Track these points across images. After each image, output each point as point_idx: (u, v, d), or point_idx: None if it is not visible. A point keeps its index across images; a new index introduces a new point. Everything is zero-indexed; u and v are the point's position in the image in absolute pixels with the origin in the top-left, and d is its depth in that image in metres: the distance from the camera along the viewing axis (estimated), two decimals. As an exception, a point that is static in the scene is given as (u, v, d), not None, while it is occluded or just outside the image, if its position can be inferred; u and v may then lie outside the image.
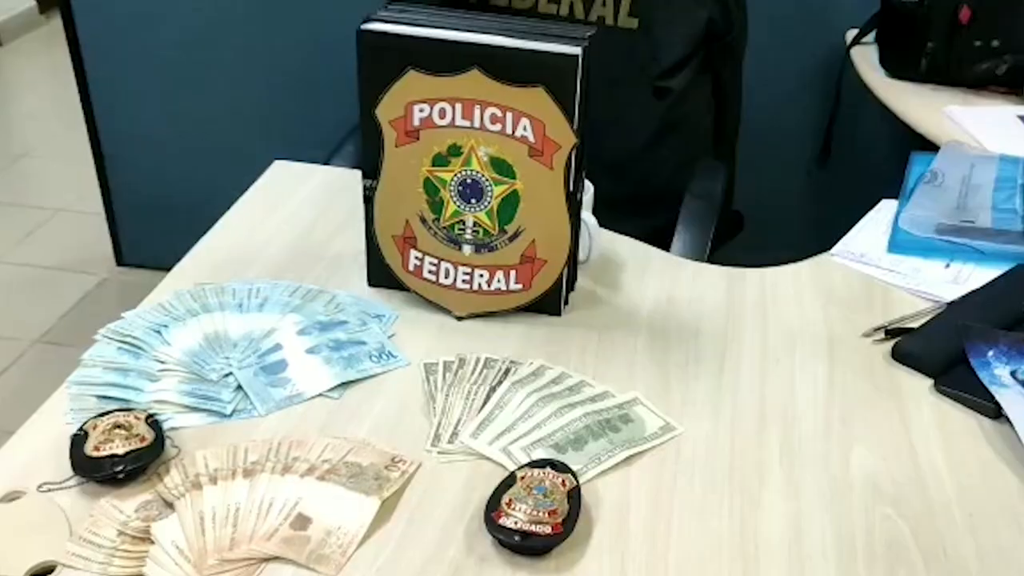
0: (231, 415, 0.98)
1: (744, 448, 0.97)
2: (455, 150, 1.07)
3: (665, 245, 1.40)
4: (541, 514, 0.84)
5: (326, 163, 1.58)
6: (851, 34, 1.95)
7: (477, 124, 1.05)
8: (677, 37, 1.63)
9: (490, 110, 1.04)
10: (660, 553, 0.85)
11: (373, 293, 1.17)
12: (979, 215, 1.31)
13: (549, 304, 1.13)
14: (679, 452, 0.96)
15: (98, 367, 1.02)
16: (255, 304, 1.12)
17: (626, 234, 1.30)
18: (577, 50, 1.01)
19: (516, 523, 0.83)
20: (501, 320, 1.13)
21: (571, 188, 1.07)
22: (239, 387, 1.00)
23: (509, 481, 0.88)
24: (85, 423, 0.92)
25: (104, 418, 0.92)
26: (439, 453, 0.94)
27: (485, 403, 0.99)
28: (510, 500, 0.85)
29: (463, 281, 1.13)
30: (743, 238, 1.82)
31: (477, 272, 1.12)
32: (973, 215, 1.31)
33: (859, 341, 1.12)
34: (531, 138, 1.04)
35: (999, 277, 1.19)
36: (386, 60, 1.05)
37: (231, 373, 1.02)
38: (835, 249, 1.28)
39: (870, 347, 1.11)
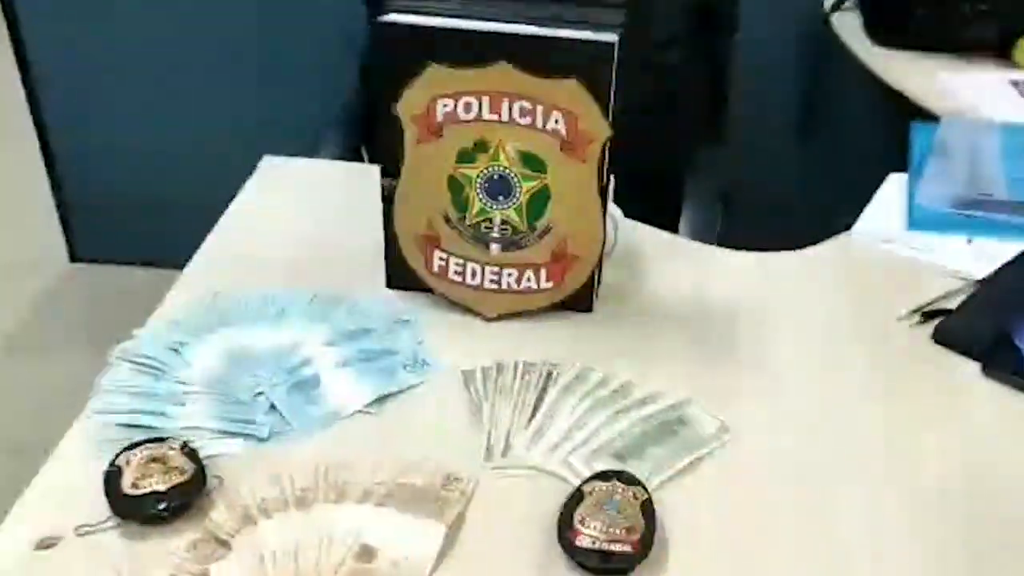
0: (268, 438, 0.92)
1: (803, 445, 0.94)
2: (481, 146, 1.02)
3: (665, 228, 1.36)
4: (617, 531, 0.80)
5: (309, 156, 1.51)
6: (829, 0, 1.92)
7: (505, 118, 1.00)
8: (670, 11, 1.59)
9: (519, 103, 0.99)
10: (743, 567, 0.82)
11: (392, 296, 1.12)
12: (994, 187, 1.30)
13: (580, 301, 1.09)
14: (738, 453, 0.93)
15: (117, 392, 0.96)
16: (273, 315, 1.07)
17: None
18: (613, 37, 0.96)
19: (594, 542, 0.80)
20: (532, 320, 1.09)
21: (603, 181, 1.03)
22: (272, 407, 0.95)
23: (577, 497, 0.84)
24: (117, 457, 0.86)
25: (137, 450, 0.87)
26: (494, 468, 0.90)
27: (535, 412, 0.95)
28: (582, 518, 0.82)
29: (491, 281, 1.08)
30: (733, 213, 1.79)
31: (506, 271, 1.07)
32: (988, 187, 1.30)
33: (896, 324, 1.10)
34: (563, 131, 0.99)
35: (1024, 251, 1.18)
36: (406, 53, 0.99)
37: (262, 392, 0.96)
38: (855, 228, 1.26)
39: (909, 331, 1.09)
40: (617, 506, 0.82)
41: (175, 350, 1.01)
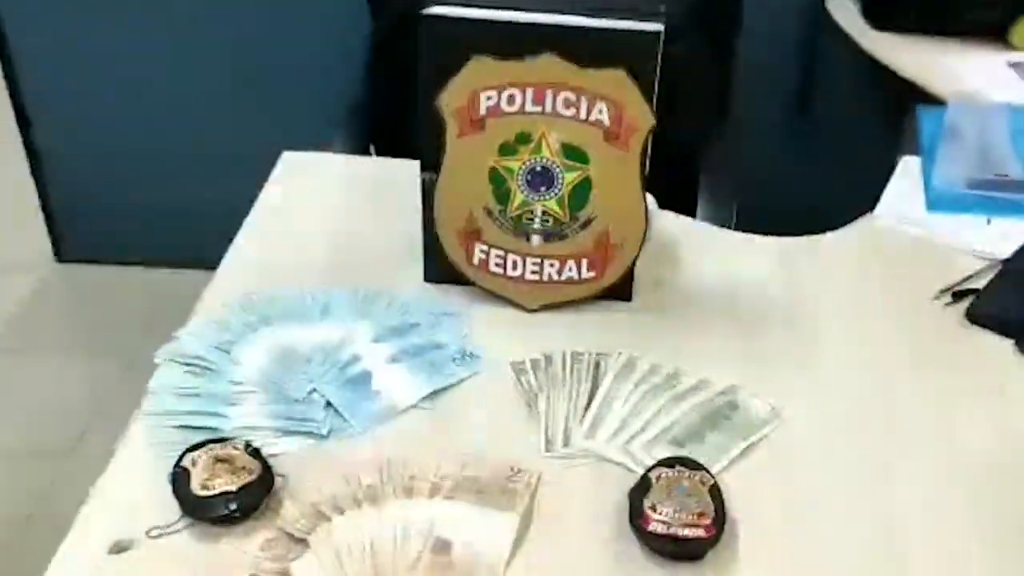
0: (327, 435, 0.92)
1: (850, 428, 0.96)
2: (524, 138, 1.02)
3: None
4: (689, 516, 0.81)
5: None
6: (825, -14, 1.94)
7: (549, 109, 1.00)
8: (674, 2, 1.59)
9: (563, 94, 0.99)
10: (810, 546, 0.84)
11: (430, 289, 1.12)
12: (1009, 167, 1.32)
13: (620, 290, 1.10)
14: (789, 436, 0.95)
15: (169, 394, 0.96)
16: (316, 312, 1.06)
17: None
18: (659, 27, 0.97)
19: (668, 528, 0.81)
20: (573, 310, 1.10)
21: (645, 170, 1.04)
22: (328, 404, 0.95)
23: (644, 484, 0.85)
24: (181, 458, 0.86)
25: (201, 451, 0.86)
26: (556, 458, 0.91)
27: (590, 401, 0.96)
28: (653, 504, 0.83)
29: (532, 272, 1.08)
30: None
31: (547, 262, 1.08)
32: (1002, 167, 1.32)
33: (929, 305, 1.11)
34: (607, 122, 1.00)
35: (1045, 229, 1.21)
36: (450, 47, 0.99)
37: (315, 390, 0.96)
38: (877, 211, 1.28)
39: (941, 311, 1.11)
40: (686, 491, 0.84)
41: (223, 350, 1.00)
